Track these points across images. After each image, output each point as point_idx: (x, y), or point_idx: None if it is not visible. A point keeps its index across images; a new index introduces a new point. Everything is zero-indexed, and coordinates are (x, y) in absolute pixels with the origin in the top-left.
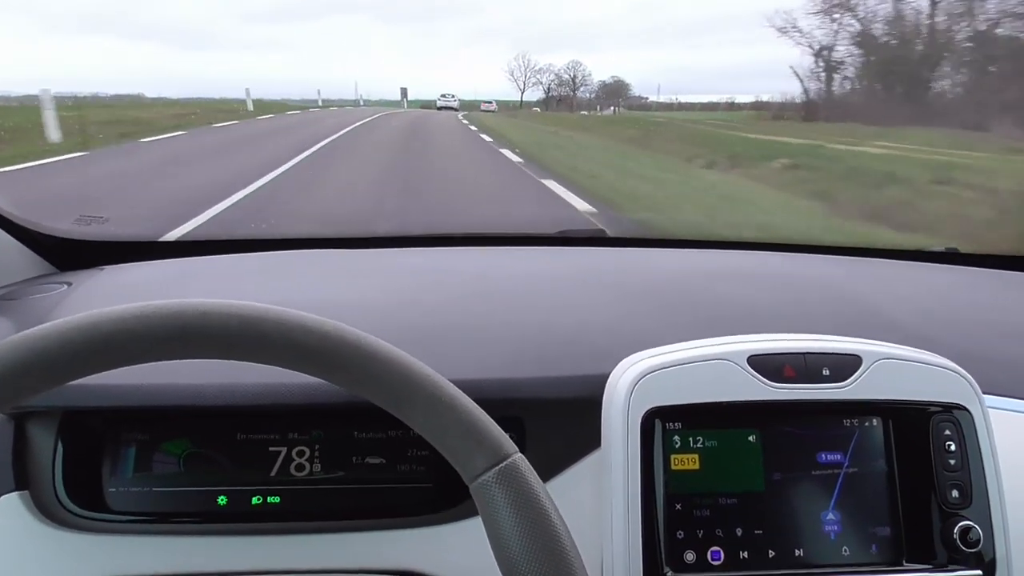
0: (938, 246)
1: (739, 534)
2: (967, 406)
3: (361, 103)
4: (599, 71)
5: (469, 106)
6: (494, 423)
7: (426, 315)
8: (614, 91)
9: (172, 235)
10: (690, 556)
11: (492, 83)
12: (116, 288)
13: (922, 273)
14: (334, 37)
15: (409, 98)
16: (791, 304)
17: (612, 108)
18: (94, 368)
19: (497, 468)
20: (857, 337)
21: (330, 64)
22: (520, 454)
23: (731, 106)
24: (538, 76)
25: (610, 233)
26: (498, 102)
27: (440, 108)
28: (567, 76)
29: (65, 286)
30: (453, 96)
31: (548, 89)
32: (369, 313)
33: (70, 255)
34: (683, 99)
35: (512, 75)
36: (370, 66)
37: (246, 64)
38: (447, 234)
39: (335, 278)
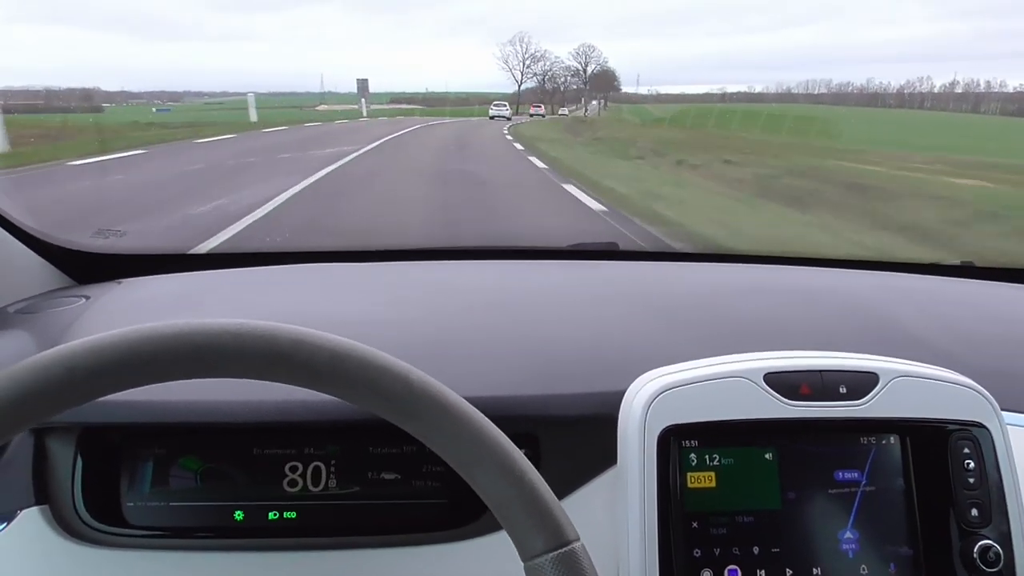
0: (954, 260)
1: (756, 553)
2: (986, 423)
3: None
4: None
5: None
6: (559, 505)
7: (440, 330)
8: (604, 82)
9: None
10: (707, 574)
11: (475, 75)
12: (134, 302)
13: (938, 287)
14: (304, 28)
15: (374, 91)
16: (808, 319)
17: (596, 102)
18: (183, 375)
19: (556, 553)
20: (874, 352)
21: (299, 56)
22: (580, 542)
23: (723, 97)
24: (532, 67)
25: (623, 247)
26: (475, 95)
27: (493, 118)
28: (576, 64)
29: (83, 299)
30: (505, 104)
31: (544, 80)
32: (382, 328)
33: (88, 268)
34: (667, 90)
35: (506, 63)
36: (341, 58)
37: (211, 57)
38: (460, 247)
39: (348, 292)
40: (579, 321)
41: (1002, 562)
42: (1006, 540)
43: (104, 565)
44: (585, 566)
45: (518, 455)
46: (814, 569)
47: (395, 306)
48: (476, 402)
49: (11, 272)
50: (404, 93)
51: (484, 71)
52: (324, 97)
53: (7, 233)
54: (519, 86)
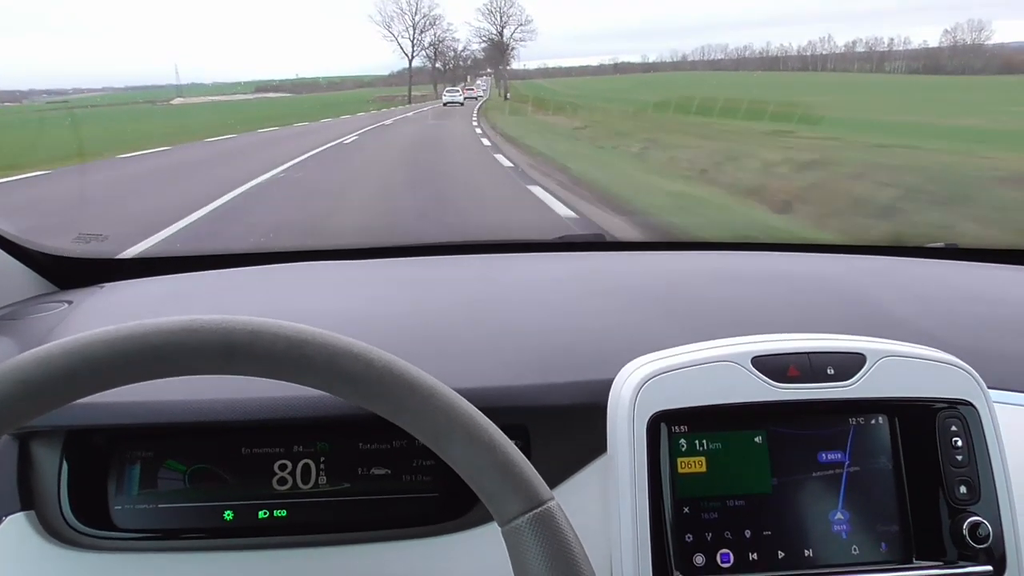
0: (938, 242)
1: (748, 536)
2: (972, 402)
3: None
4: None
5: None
6: (532, 467)
7: (428, 325)
8: (495, 56)
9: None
10: (699, 559)
11: (358, 57)
12: (117, 305)
13: (923, 269)
14: (159, 14)
15: (237, 79)
16: (794, 304)
17: (482, 80)
18: (141, 377)
19: (531, 514)
20: (861, 335)
21: (156, 46)
22: (555, 501)
23: (615, 68)
24: (423, 36)
25: (609, 237)
26: (351, 78)
27: (446, 104)
28: (489, 26)
29: (66, 304)
30: (458, 90)
31: (434, 55)
32: (370, 324)
33: (69, 273)
34: (555, 64)
35: (389, 29)
36: (207, 48)
37: (63, 51)
38: (447, 243)
39: (336, 290)
40: (567, 312)
41: (991, 538)
42: (995, 516)
43: (93, 569)
44: (562, 523)
45: (487, 424)
46: (806, 551)
47: (383, 302)
48: (466, 394)
49: None
50: (272, 81)
51: (363, 51)
52: (182, 90)
53: None
54: (410, 61)
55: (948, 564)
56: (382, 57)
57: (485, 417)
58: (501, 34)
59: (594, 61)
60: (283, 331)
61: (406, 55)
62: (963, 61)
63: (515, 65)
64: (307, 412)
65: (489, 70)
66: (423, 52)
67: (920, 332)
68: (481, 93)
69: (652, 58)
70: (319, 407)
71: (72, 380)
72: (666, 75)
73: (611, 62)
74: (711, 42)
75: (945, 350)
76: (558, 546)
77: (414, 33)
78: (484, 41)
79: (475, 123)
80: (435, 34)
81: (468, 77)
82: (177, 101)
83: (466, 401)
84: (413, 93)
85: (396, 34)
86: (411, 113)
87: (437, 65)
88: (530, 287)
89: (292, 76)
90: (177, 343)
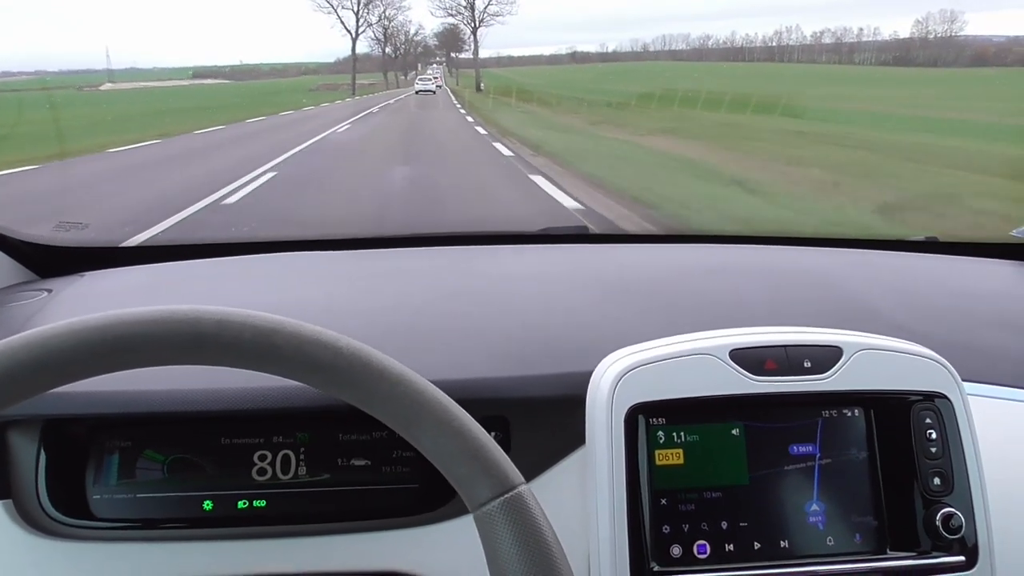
0: (918, 235)
1: (724, 527)
2: (947, 394)
3: None
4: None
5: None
6: (502, 452)
7: (409, 316)
8: (451, 40)
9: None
10: (676, 550)
11: (308, 44)
12: (97, 294)
13: (902, 262)
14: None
15: (174, 65)
16: (773, 297)
17: (432, 69)
18: (106, 368)
19: (502, 499)
20: (839, 328)
21: (88, 29)
22: (526, 485)
23: (573, 56)
24: (367, 10)
25: (593, 230)
26: (294, 65)
27: (419, 92)
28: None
29: (45, 293)
30: (430, 78)
31: (384, 37)
32: (350, 315)
33: (50, 262)
34: (509, 52)
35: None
36: (147, 32)
37: None
38: (429, 234)
39: (316, 280)
40: (549, 304)
41: (964, 529)
42: (968, 508)
43: (71, 558)
44: (533, 508)
45: (457, 410)
46: (782, 542)
47: (364, 293)
48: (446, 385)
49: None
50: (213, 67)
51: (311, 38)
52: (113, 75)
53: None
54: (354, 40)
55: (922, 555)
56: (330, 43)
57: (455, 403)
58: (472, 7)
59: (548, 50)
60: (250, 320)
61: (348, 32)
62: (933, 53)
63: (468, 53)
64: (287, 402)
65: (439, 57)
66: (370, 30)
67: (897, 325)
68: (442, 83)
69: (611, 47)
70: (299, 397)
71: (37, 373)
72: (632, 65)
73: (568, 51)
74: (671, 31)
75: (921, 343)
76: (529, 530)
77: (358, 5)
78: (452, 14)
79: (497, 146)
80: (384, 10)
81: (419, 65)
82: (107, 87)
83: (436, 388)
84: (359, 81)
85: (335, 5)
86: (345, 126)
87: (387, 50)
88: (512, 279)
89: (236, 62)
90: (144, 334)
